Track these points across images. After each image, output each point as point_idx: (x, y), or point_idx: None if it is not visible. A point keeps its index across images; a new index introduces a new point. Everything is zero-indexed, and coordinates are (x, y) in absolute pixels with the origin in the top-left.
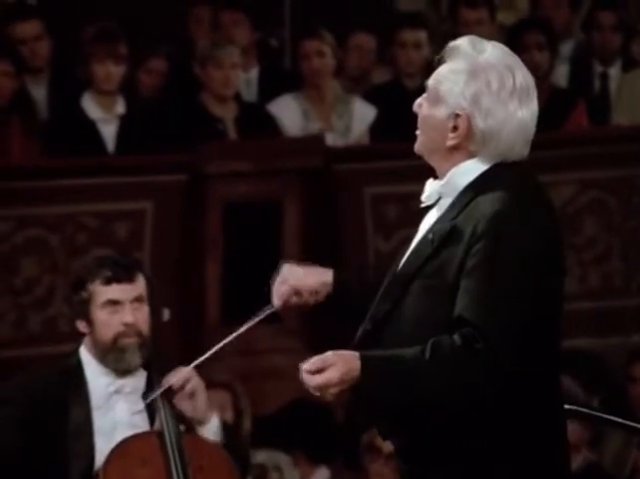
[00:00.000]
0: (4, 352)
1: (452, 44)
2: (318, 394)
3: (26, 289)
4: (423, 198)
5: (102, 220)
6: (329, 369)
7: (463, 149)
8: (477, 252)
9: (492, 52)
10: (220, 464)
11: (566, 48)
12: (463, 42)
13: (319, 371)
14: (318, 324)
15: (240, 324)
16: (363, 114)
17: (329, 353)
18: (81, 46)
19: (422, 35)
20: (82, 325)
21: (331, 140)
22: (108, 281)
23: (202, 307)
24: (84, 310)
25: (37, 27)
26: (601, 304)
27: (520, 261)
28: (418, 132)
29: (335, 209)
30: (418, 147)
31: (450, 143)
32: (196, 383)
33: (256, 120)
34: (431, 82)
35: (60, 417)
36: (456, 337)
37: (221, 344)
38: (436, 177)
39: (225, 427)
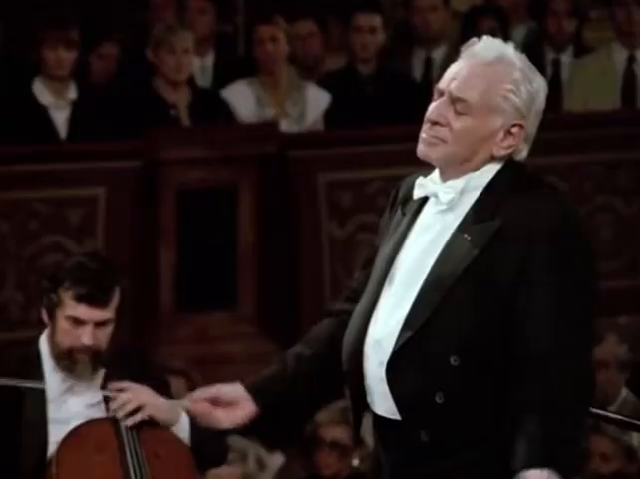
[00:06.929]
0: None
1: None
2: None
3: None
4: (419, 194)
5: (53, 206)
6: None
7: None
8: (545, 260)
9: (511, 49)
10: (178, 453)
11: (518, 34)
12: (489, 43)
13: None
14: (272, 310)
15: (194, 311)
16: (317, 100)
17: None
18: (32, 31)
19: (377, 20)
20: (44, 316)
21: (285, 126)
22: (79, 300)
23: (156, 294)
24: (49, 308)
25: None
26: None
27: (590, 278)
28: (436, 140)
29: (289, 195)
30: (441, 156)
31: (501, 152)
32: (147, 413)
33: (210, 105)
34: (470, 92)
35: (14, 407)
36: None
37: None
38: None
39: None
